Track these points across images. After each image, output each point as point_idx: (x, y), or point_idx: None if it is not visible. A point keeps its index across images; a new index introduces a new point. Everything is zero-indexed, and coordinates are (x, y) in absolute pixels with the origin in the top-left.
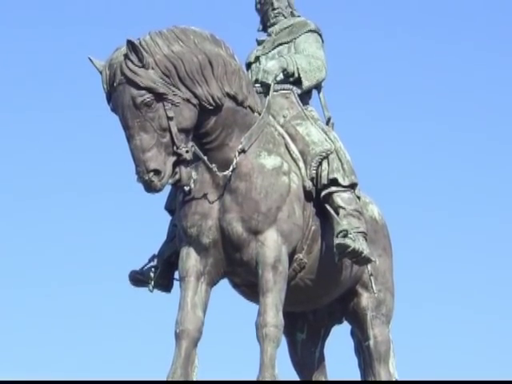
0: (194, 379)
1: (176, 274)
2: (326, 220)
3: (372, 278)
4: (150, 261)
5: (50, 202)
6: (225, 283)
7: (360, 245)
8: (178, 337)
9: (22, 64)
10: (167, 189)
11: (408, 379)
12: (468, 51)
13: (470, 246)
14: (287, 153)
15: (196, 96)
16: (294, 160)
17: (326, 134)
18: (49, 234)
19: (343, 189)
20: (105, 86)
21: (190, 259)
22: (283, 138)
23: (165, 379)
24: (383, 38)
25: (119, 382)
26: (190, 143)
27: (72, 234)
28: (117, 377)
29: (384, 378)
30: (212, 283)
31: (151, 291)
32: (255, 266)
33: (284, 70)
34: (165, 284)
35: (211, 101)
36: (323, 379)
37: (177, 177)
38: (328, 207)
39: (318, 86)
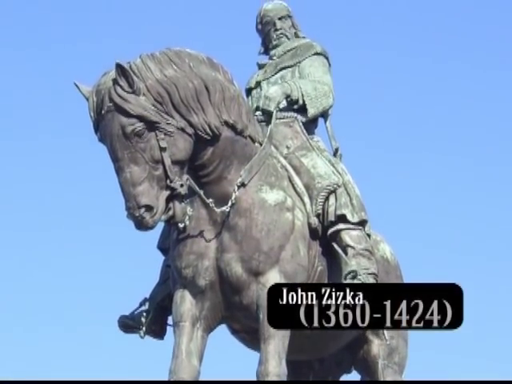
0: None
1: (169, 319)
2: (333, 260)
3: None
4: (141, 305)
5: (35, 238)
6: (223, 329)
7: None
8: None
9: None
10: (160, 226)
11: None
12: (484, 77)
13: (486, 284)
14: (291, 187)
15: (191, 125)
16: (299, 195)
17: (334, 167)
18: (32, 275)
19: (352, 226)
20: (92, 114)
21: (185, 303)
22: (286, 170)
23: None
24: (397, 62)
25: (119, 382)
26: (185, 176)
27: (55, 275)
28: None
29: None
30: (209, 329)
31: (142, 338)
32: (256, 311)
33: (287, 97)
34: (157, 330)
35: (208, 130)
36: None
37: (170, 213)
38: (335, 246)
39: (324, 114)
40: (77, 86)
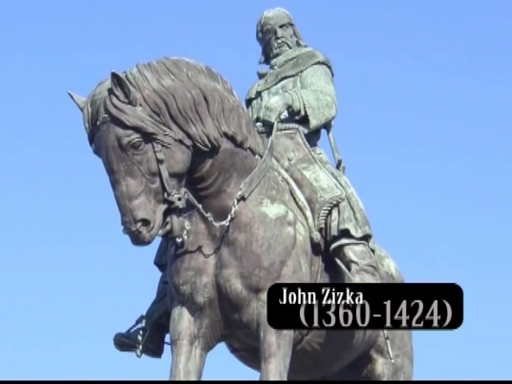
0: None
1: (167, 338)
2: (336, 276)
3: (388, 341)
4: (137, 322)
5: (30, 253)
6: (222, 347)
7: None
8: None
9: None
10: (157, 241)
11: None
12: (492, 89)
13: (486, 284)
14: (292, 200)
15: (189, 136)
16: (300, 208)
17: (337, 180)
18: (27, 290)
19: (355, 241)
20: (86, 125)
21: (183, 320)
22: (288, 183)
23: None
24: (401, 73)
25: (119, 382)
26: (183, 189)
27: (50, 292)
28: None
29: None
30: (207, 347)
31: (139, 356)
32: (256, 328)
33: (289, 107)
34: (154, 348)
35: (207, 142)
36: None
37: (168, 227)
38: (338, 262)
39: (327, 125)
40: (71, 95)
